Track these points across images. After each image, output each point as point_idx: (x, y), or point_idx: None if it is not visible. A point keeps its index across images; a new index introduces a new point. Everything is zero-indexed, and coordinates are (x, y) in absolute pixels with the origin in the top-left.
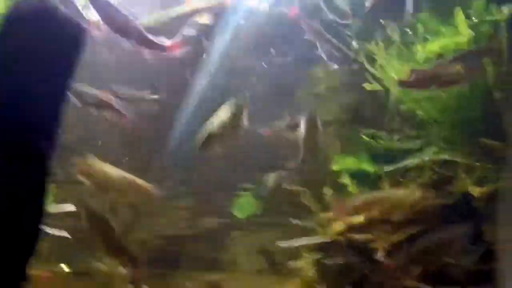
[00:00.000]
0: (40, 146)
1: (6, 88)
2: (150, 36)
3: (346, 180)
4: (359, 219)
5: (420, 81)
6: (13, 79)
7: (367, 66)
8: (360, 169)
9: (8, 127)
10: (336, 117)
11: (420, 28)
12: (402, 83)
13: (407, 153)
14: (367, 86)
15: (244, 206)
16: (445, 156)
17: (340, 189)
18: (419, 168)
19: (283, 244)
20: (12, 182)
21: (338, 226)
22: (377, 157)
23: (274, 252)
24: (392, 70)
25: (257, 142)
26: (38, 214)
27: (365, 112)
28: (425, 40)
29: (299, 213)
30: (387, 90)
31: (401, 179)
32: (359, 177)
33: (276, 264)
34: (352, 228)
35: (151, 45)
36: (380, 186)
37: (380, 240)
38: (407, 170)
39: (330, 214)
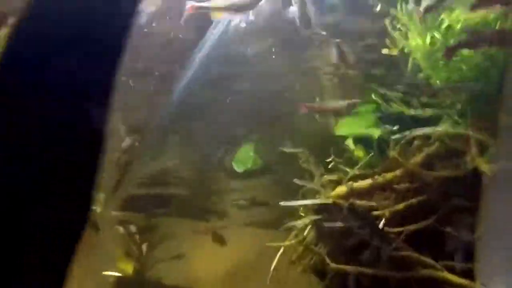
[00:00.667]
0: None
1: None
2: None
3: (350, 144)
4: (362, 183)
5: None
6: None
7: (389, 29)
8: (366, 134)
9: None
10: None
11: None
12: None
13: (418, 121)
14: (385, 50)
15: (243, 159)
16: (458, 129)
17: (343, 153)
18: (428, 137)
19: (283, 203)
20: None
21: (340, 189)
22: (386, 121)
23: (271, 207)
24: (413, 37)
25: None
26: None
27: (380, 73)
28: (451, 9)
29: (300, 175)
30: (405, 56)
31: (408, 147)
32: (365, 142)
33: (272, 220)
34: (354, 193)
35: None
36: (387, 153)
37: (383, 208)
38: (415, 138)
39: (332, 177)
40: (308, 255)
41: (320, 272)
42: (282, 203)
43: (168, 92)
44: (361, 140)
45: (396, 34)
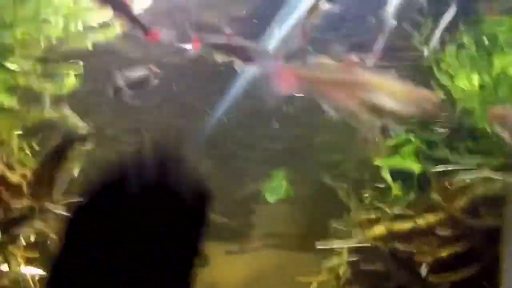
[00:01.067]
0: None
1: None
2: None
3: (386, 176)
4: (402, 226)
5: None
6: None
7: (435, 71)
8: (405, 167)
9: None
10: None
11: (501, 36)
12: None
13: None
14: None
15: (276, 189)
16: (502, 177)
17: (382, 191)
18: (473, 181)
19: (320, 246)
20: None
21: (379, 229)
22: (428, 161)
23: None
24: (461, 79)
25: None
26: None
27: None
28: (503, 51)
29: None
30: (450, 98)
31: (449, 186)
32: (403, 176)
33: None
34: (394, 235)
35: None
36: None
37: (425, 253)
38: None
39: (370, 215)
40: None
41: None
42: (318, 246)
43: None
44: (400, 175)
45: (442, 77)
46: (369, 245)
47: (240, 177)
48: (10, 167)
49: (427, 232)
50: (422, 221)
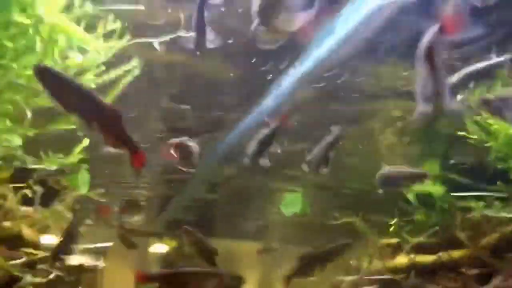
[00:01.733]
0: None
1: None
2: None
3: (411, 198)
4: (425, 259)
5: None
6: None
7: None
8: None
9: None
10: None
11: None
12: None
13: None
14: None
15: (291, 203)
16: None
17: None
18: (501, 220)
19: (339, 278)
20: None
21: (400, 260)
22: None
23: None
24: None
25: None
26: None
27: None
28: None
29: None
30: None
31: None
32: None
33: None
34: (416, 267)
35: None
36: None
37: None
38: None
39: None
40: None
41: None
42: (338, 278)
43: None
44: (424, 200)
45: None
46: (390, 277)
47: None
48: None
49: (451, 268)
50: (445, 256)
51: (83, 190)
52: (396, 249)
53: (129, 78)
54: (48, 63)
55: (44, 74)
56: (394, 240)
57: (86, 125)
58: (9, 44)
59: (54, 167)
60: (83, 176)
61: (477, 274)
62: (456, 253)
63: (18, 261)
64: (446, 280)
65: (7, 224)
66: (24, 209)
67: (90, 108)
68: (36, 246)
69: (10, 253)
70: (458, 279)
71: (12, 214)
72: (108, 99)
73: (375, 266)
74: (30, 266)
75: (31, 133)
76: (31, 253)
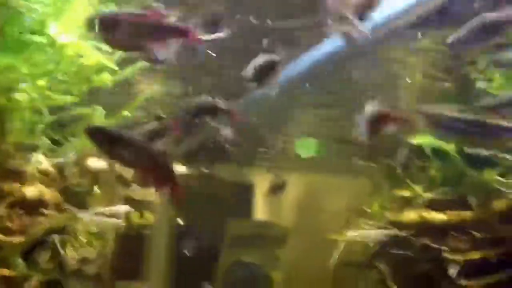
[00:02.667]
0: None
1: None
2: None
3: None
4: (435, 217)
5: None
6: None
7: None
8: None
9: None
10: None
11: None
12: None
13: None
14: None
15: (306, 146)
16: None
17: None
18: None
19: (351, 233)
20: None
21: (410, 216)
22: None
23: None
24: None
25: None
26: None
27: None
28: None
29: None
30: None
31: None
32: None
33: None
34: (425, 225)
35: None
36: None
37: (456, 252)
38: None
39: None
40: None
41: None
42: (349, 234)
43: None
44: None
45: None
46: (402, 235)
47: None
48: None
49: (460, 229)
50: (454, 215)
51: None
52: (406, 204)
53: None
54: None
55: (95, 135)
56: (407, 192)
57: (141, 177)
58: None
59: None
60: None
61: (487, 237)
62: (466, 214)
63: None
64: (455, 241)
65: None
66: None
67: (145, 159)
68: None
69: None
70: (466, 240)
71: None
72: None
73: (386, 218)
74: None
75: None
76: None
